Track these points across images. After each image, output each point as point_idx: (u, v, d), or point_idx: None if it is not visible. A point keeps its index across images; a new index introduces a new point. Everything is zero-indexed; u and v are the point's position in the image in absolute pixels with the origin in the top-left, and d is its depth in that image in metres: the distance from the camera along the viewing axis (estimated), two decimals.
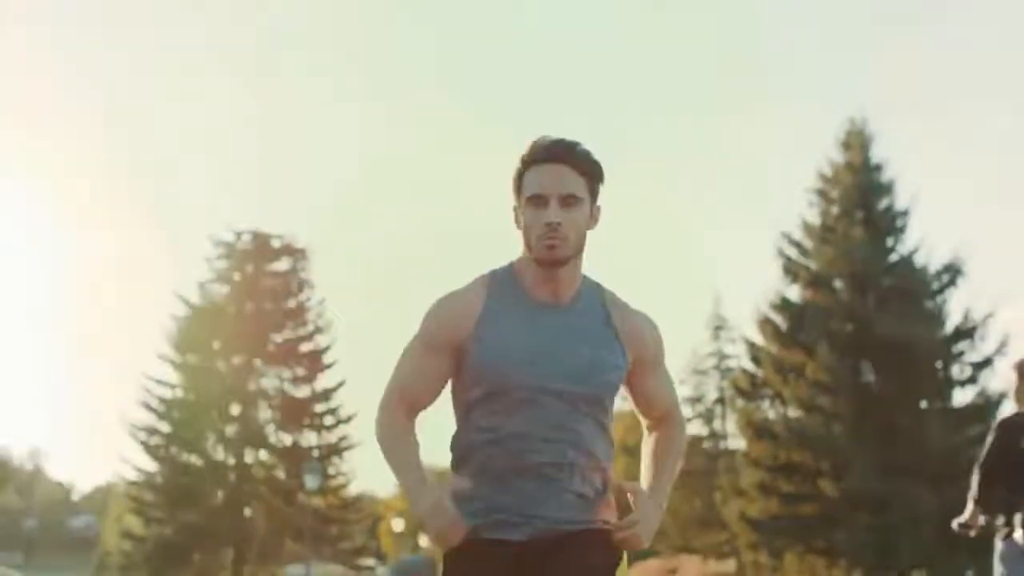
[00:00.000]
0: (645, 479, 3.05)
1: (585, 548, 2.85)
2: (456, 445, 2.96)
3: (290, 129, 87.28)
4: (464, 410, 2.93)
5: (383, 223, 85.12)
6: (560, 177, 2.83)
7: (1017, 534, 5.84)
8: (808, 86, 77.13)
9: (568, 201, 2.83)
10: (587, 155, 2.89)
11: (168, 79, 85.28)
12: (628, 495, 2.91)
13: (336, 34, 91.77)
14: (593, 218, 2.91)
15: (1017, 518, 5.85)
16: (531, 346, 2.85)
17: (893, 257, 29.70)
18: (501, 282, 2.93)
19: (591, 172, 2.88)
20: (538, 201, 2.83)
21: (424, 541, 60.26)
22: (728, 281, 68.56)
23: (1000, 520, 5.97)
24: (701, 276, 75.94)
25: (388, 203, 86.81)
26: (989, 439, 6.08)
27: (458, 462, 2.94)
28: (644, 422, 3.13)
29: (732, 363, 39.45)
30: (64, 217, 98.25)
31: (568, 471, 2.86)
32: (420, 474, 2.89)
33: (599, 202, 2.93)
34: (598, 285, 2.98)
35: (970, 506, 6.11)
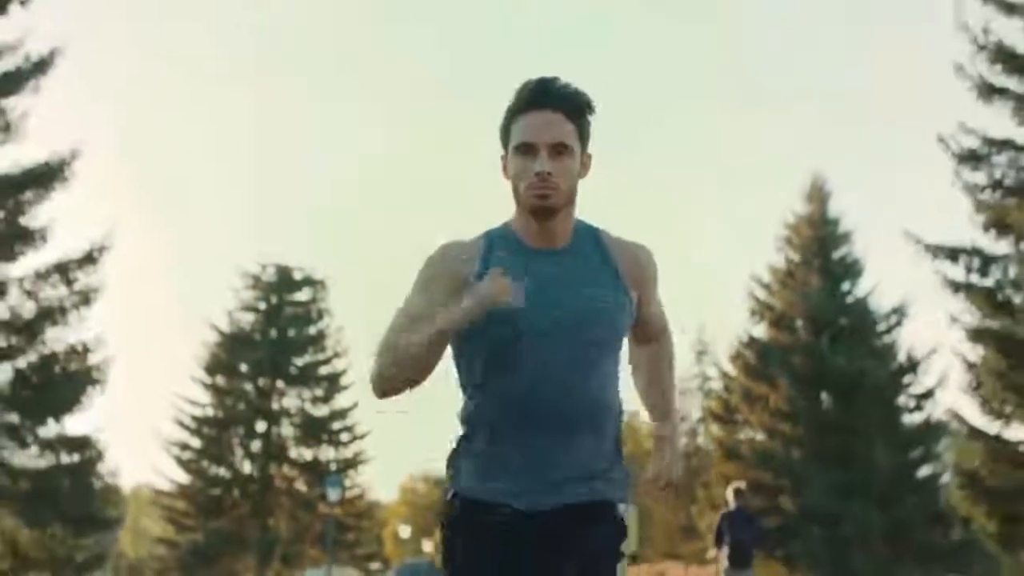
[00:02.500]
0: (648, 395, 3.23)
1: (590, 531, 2.90)
2: (465, 411, 2.96)
3: (290, 132, 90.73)
4: (469, 370, 2.94)
5: (387, 231, 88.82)
6: (550, 125, 2.83)
7: (724, 564, 12.98)
8: (806, 91, 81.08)
9: (558, 150, 2.83)
10: (578, 98, 2.89)
11: (168, 79, 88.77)
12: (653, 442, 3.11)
13: (336, 34, 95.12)
14: (584, 166, 2.92)
15: (724, 552, 13.09)
16: (532, 289, 2.84)
17: (848, 299, 35.23)
18: (497, 235, 2.96)
19: (582, 117, 2.89)
20: (527, 150, 2.84)
21: (427, 546, 65.29)
22: (720, 286, 73.20)
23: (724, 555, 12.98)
24: (689, 292, 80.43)
25: (392, 212, 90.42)
26: (718, 520, 13.27)
27: (469, 428, 2.95)
28: (633, 340, 3.18)
29: (714, 384, 44.94)
30: None
31: (582, 423, 2.87)
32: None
33: (590, 150, 2.93)
34: (592, 226, 3.00)
35: (712, 549, 13.43)
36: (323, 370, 42.06)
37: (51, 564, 21.41)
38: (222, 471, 40.88)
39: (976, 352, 21.22)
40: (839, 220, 35.59)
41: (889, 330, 34.99)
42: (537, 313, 2.83)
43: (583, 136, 2.90)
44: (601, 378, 2.90)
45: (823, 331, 34.36)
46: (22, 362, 21.51)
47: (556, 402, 2.84)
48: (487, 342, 2.86)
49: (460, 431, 2.96)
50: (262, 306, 42.18)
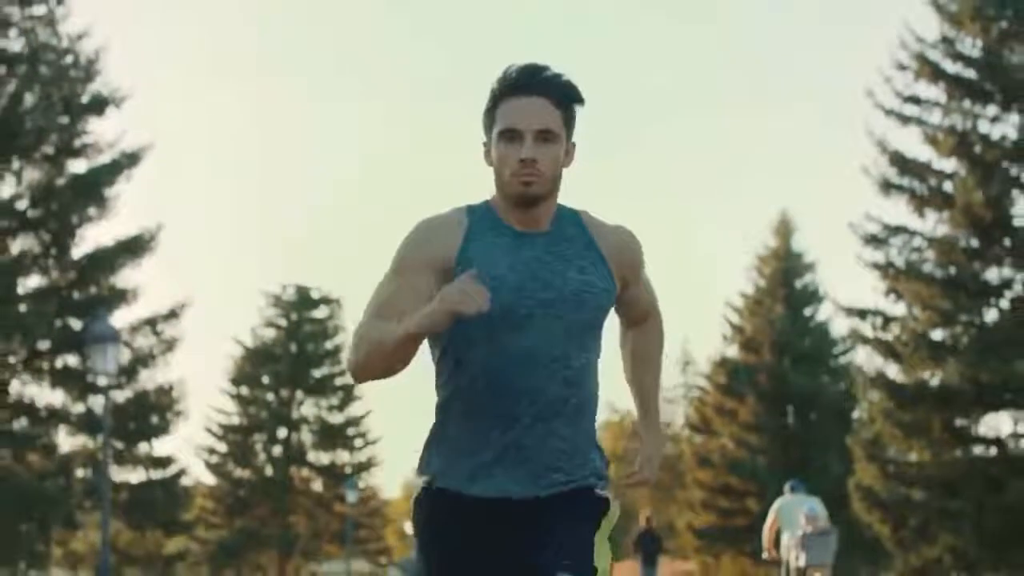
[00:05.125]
0: (635, 375, 3.32)
1: (567, 517, 2.96)
2: (442, 393, 3.02)
3: (291, 135, 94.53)
4: (447, 349, 2.99)
5: (388, 233, 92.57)
6: (535, 110, 2.91)
7: (640, 566, 20.37)
8: (806, 91, 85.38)
9: (544, 136, 2.90)
10: (565, 84, 2.96)
11: (168, 79, 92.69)
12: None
13: (336, 36, 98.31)
14: (568, 155, 2.99)
15: (639, 557, 20.39)
16: (519, 270, 2.93)
17: (810, 324, 42.02)
18: (480, 211, 3.02)
19: (569, 104, 2.96)
20: (511, 136, 2.90)
21: None
22: (714, 298, 78.49)
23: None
24: (677, 303, 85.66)
25: (392, 213, 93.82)
26: (635, 536, 20.73)
27: (443, 413, 3.01)
28: (623, 322, 3.29)
29: (696, 393, 51.70)
30: None
31: (562, 408, 2.95)
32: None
33: (574, 139, 3.01)
34: (574, 210, 3.08)
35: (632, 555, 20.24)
36: (339, 381, 48.03)
37: (146, 559, 28.61)
38: (247, 474, 47.18)
39: (872, 395, 28.20)
40: (802, 253, 42.38)
41: (845, 352, 41.77)
42: (524, 295, 2.91)
43: (569, 124, 2.97)
44: (583, 363, 2.98)
45: (786, 353, 41.16)
46: (121, 397, 28.43)
47: (537, 386, 2.91)
48: (471, 323, 2.85)
49: (436, 416, 3.03)
50: (283, 323, 48.30)
